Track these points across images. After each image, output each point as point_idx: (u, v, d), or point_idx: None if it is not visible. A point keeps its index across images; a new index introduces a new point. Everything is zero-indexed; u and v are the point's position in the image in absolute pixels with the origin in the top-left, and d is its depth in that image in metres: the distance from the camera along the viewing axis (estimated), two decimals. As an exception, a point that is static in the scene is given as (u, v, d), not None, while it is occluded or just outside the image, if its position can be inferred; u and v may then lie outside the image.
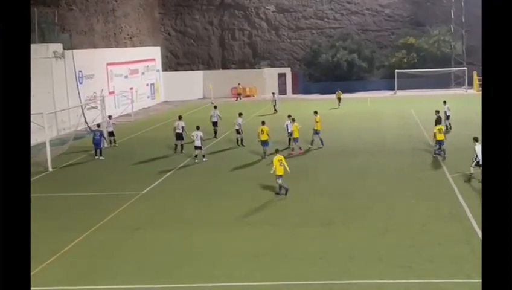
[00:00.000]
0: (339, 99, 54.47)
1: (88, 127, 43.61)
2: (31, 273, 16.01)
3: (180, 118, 34.33)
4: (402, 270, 15.44)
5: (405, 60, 66.37)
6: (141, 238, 19.18)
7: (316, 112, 34.65)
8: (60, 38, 45.97)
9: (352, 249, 17.12)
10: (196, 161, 30.51)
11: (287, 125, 32.69)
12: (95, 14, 54.88)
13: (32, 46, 40.72)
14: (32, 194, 24.84)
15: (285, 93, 67.47)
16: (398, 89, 63.53)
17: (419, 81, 64.00)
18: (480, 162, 23.32)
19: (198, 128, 31.00)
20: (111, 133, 37.21)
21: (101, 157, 32.98)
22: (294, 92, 67.89)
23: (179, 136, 33.22)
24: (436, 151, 29.41)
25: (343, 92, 64.15)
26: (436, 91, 61.84)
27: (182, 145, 33.32)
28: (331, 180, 26.25)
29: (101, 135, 33.37)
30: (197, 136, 30.28)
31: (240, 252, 17.39)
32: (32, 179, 28.64)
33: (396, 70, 64.05)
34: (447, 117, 36.77)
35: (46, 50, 42.85)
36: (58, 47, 44.42)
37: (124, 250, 18.13)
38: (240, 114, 35.67)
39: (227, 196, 24.21)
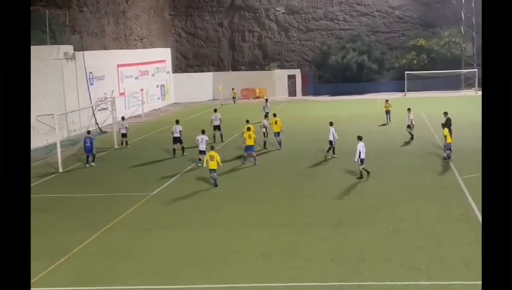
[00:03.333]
0: (388, 112, 43.02)
1: (99, 128, 43.80)
2: (42, 274, 16.20)
3: (177, 122, 34.01)
4: (412, 271, 15.43)
5: (415, 62, 66.23)
6: (151, 239, 19.25)
7: (275, 114, 35.23)
8: (70, 39, 46.24)
9: (363, 250, 17.13)
10: (199, 164, 30.09)
11: (332, 133, 31.45)
12: (105, 16, 55.13)
13: (43, 47, 41.06)
14: (43, 195, 25.24)
15: (294, 95, 67.69)
16: (408, 91, 63.38)
17: (430, 82, 63.93)
18: (363, 159, 26.01)
19: (203, 132, 30.23)
20: (124, 135, 37.10)
21: (92, 164, 31.71)
22: (304, 94, 67.93)
23: (176, 140, 32.98)
24: (448, 156, 29.11)
25: (353, 93, 64.48)
26: (447, 93, 61.76)
27: (183, 148, 33.10)
28: (341, 181, 26.22)
29: (91, 142, 31.77)
30: (202, 140, 29.66)
31: (250, 253, 17.43)
32: (43, 179, 28.87)
33: (406, 72, 63.97)
34: (409, 126, 35.47)
35: (57, 51, 43.09)
36: (69, 48, 44.66)
37: (134, 251, 18.19)
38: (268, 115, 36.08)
39: (237, 197, 24.28)
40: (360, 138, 26.51)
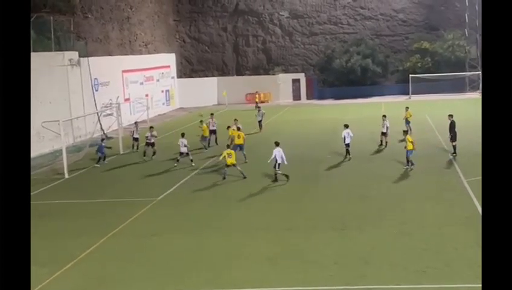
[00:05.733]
0: (408, 121, 37.95)
1: (104, 134, 43.91)
2: (48, 280, 16.27)
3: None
4: (417, 274, 15.43)
5: (419, 65, 66.18)
6: (157, 244, 19.30)
7: (235, 124, 35.09)
8: (75, 46, 46.36)
9: (367, 254, 17.14)
10: (175, 164, 31.60)
11: (349, 135, 31.38)
12: (110, 22, 55.31)
13: (48, 54, 41.24)
14: (49, 201, 25.36)
15: (299, 99, 67.77)
16: (412, 94, 63.38)
17: (434, 85, 63.86)
18: (279, 163, 26.75)
19: (183, 135, 32.25)
20: (135, 139, 38.00)
21: (96, 165, 33.49)
22: (308, 98, 68.02)
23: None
24: (411, 162, 28.52)
25: (357, 97, 64.52)
26: (451, 95, 61.72)
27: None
28: (345, 184, 26.25)
29: (101, 147, 33.97)
30: (182, 144, 31.71)
31: (254, 257, 17.46)
32: (48, 185, 28.98)
33: (410, 75, 63.99)
34: (383, 133, 34.62)
35: (62, 58, 43.23)
36: (74, 55, 44.80)
37: (140, 256, 18.22)
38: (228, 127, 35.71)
39: (241, 200, 24.32)
40: (277, 144, 27.29)
